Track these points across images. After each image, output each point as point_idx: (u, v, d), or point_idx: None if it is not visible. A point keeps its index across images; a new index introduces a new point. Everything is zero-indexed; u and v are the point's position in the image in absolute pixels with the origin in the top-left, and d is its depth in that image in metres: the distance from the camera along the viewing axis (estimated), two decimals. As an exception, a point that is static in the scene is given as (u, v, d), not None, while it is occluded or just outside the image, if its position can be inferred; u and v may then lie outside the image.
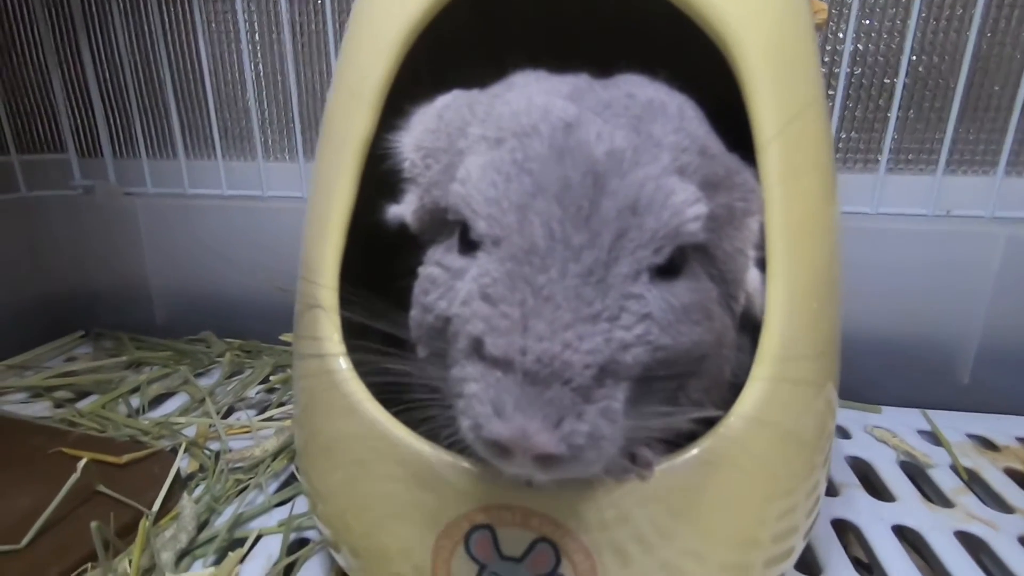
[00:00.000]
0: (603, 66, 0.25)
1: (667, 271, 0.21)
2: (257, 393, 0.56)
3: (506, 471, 0.20)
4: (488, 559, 0.24)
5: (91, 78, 0.66)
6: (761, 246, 0.24)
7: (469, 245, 0.22)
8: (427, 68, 0.27)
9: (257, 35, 0.63)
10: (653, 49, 0.25)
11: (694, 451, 0.23)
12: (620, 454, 0.20)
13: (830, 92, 0.54)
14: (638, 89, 0.23)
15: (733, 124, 0.25)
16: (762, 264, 0.24)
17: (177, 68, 0.65)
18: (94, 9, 0.64)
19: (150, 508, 0.37)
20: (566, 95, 0.23)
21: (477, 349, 0.20)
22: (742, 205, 0.24)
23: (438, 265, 0.23)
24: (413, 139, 0.27)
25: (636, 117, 0.22)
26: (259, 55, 0.63)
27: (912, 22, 0.51)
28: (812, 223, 0.25)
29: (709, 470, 0.23)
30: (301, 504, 0.40)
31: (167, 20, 0.63)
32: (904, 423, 0.52)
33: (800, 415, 0.26)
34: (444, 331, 0.22)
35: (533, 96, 0.23)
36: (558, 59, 0.25)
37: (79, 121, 0.69)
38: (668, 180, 0.21)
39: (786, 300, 0.24)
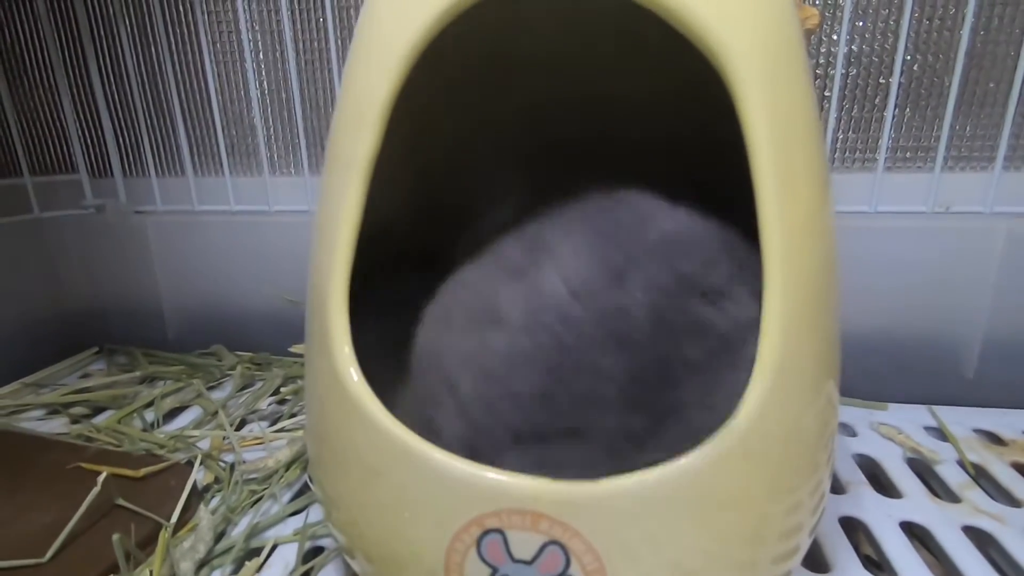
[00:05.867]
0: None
1: None
2: (269, 405, 0.57)
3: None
4: (500, 562, 0.24)
5: (100, 100, 0.67)
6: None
7: None
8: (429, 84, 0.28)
9: (261, 53, 0.64)
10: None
11: (699, 451, 0.24)
12: None
13: (826, 94, 0.55)
14: None
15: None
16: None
17: (184, 88, 0.66)
18: (102, 32, 0.65)
19: (168, 520, 0.38)
20: None
21: None
22: None
23: None
24: None
25: None
26: (263, 73, 0.64)
27: (905, 22, 0.51)
28: (807, 227, 0.26)
29: (714, 470, 0.24)
30: (315, 513, 0.41)
31: (173, 41, 0.64)
32: (910, 419, 0.53)
33: (802, 415, 0.26)
34: None
35: None
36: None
37: (89, 142, 0.70)
38: None
39: (784, 304, 0.25)
